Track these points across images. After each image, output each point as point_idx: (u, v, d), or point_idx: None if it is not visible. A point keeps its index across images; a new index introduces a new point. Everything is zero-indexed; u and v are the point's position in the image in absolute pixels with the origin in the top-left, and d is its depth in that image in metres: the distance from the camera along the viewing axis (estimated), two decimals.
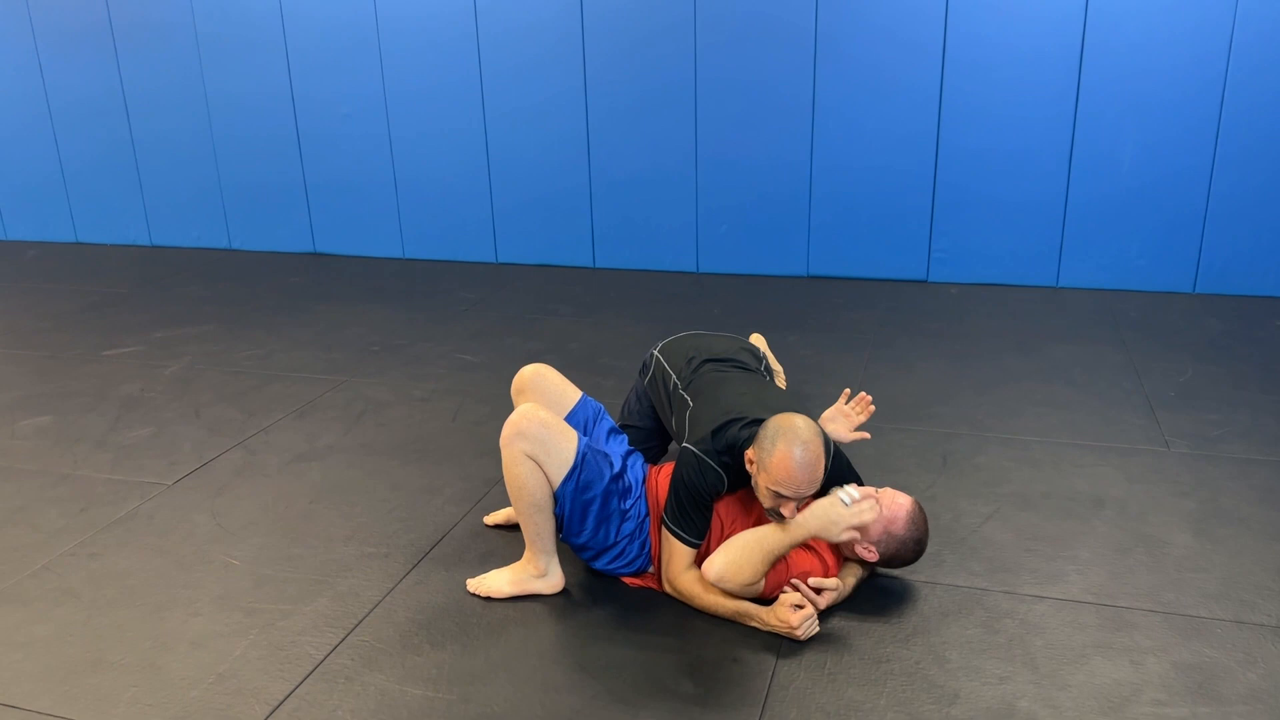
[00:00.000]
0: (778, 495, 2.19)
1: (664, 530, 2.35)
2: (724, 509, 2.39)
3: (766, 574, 2.25)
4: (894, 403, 3.57)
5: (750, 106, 5.14)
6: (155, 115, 6.16)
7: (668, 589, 2.37)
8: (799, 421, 2.20)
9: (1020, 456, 3.13)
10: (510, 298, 5.09)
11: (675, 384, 2.59)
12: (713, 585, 2.27)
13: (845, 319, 4.61)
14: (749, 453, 2.25)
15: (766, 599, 2.29)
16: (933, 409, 3.52)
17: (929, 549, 2.57)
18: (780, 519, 2.24)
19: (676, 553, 2.33)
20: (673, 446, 2.99)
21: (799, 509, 2.23)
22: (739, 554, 2.23)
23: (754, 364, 2.69)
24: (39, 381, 4.00)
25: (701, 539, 2.33)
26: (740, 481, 2.36)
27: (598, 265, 5.61)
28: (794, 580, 2.27)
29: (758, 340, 3.45)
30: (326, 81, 5.75)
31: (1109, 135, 4.74)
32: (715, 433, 2.32)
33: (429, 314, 4.83)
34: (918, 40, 4.83)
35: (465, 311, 4.86)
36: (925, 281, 5.18)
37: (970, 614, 2.32)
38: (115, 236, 6.52)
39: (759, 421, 2.29)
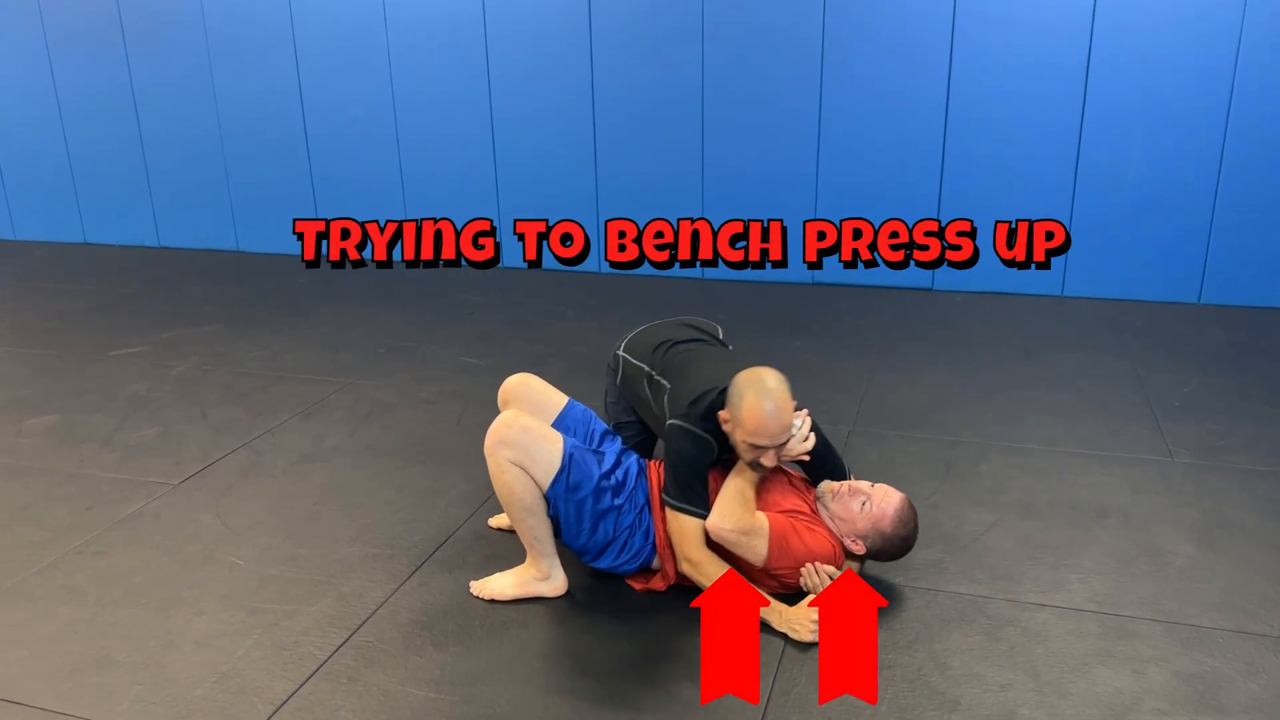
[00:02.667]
0: (754, 447, 2.28)
1: (670, 511, 2.35)
2: (712, 479, 2.42)
3: (755, 507, 2.33)
4: (898, 410, 3.57)
5: (757, 116, 5.15)
6: (164, 116, 6.19)
7: (684, 568, 2.35)
8: (763, 373, 2.30)
9: (1024, 464, 3.14)
10: (516, 301, 5.10)
11: (649, 374, 2.64)
12: (723, 542, 2.29)
13: (850, 326, 4.62)
14: (722, 413, 2.33)
15: (785, 583, 2.34)
16: (937, 416, 3.53)
17: (932, 556, 2.57)
18: (762, 470, 2.35)
19: (688, 528, 2.32)
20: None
21: (779, 455, 2.33)
22: (726, 495, 2.32)
23: (715, 341, 2.78)
24: (46, 380, 4.02)
25: (708, 509, 2.34)
26: (724, 451, 2.41)
27: (603, 270, 5.62)
28: (817, 564, 2.31)
29: None
30: (335, 83, 5.78)
31: (1115, 147, 4.74)
32: (694, 403, 2.38)
33: (435, 317, 4.84)
34: (924, 53, 4.84)
35: (471, 314, 4.88)
36: (930, 289, 5.18)
37: (972, 621, 2.32)
38: (123, 237, 6.55)
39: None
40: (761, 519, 2.31)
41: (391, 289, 5.37)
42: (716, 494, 2.39)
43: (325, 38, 5.72)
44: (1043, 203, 4.90)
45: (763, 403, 2.24)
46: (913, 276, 5.18)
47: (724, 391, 2.35)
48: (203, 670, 2.17)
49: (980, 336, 4.43)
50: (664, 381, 2.57)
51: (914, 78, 4.89)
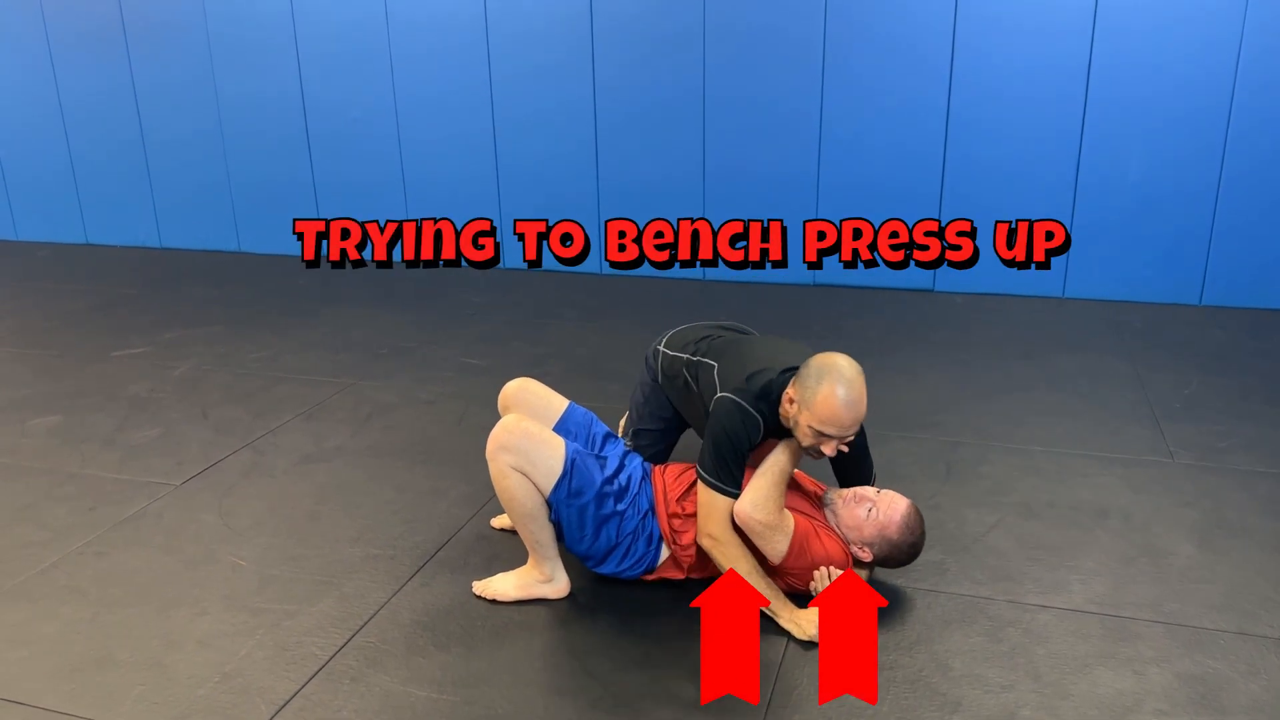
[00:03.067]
0: (820, 434, 2.22)
1: (701, 484, 2.31)
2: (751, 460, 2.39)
3: (785, 503, 2.30)
4: (899, 411, 3.57)
5: (758, 117, 5.15)
6: (166, 116, 6.19)
7: (704, 542, 2.32)
8: (841, 361, 2.24)
9: (1025, 466, 3.14)
10: (516, 301, 5.11)
11: (691, 361, 2.59)
12: (747, 530, 2.26)
13: (850, 327, 4.62)
14: (789, 391, 2.27)
15: (791, 585, 2.34)
16: (937, 418, 3.53)
17: (933, 557, 2.58)
18: (820, 457, 2.29)
19: (717, 505, 2.29)
20: (679, 447, 2.98)
21: (840, 445, 2.27)
22: (761, 483, 2.27)
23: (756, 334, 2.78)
24: (48, 381, 4.02)
25: (740, 490, 2.30)
26: (770, 434, 2.36)
27: (604, 271, 5.62)
28: (830, 568, 2.31)
29: None
30: (337, 84, 5.78)
31: (1116, 148, 4.74)
32: (750, 378, 2.33)
33: (435, 317, 4.85)
34: (925, 54, 4.84)
35: (472, 316, 4.88)
36: (931, 291, 5.19)
37: (973, 623, 2.32)
38: (125, 238, 6.55)
39: (792, 369, 2.31)
40: (789, 518, 2.29)
41: (392, 289, 5.37)
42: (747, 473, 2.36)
43: (327, 39, 5.72)
44: (1043, 204, 4.90)
45: (839, 390, 2.18)
46: (913, 277, 5.19)
47: (785, 371, 2.31)
48: (205, 670, 2.17)
49: (981, 337, 4.43)
50: (709, 360, 2.52)
51: (915, 79, 4.89)
